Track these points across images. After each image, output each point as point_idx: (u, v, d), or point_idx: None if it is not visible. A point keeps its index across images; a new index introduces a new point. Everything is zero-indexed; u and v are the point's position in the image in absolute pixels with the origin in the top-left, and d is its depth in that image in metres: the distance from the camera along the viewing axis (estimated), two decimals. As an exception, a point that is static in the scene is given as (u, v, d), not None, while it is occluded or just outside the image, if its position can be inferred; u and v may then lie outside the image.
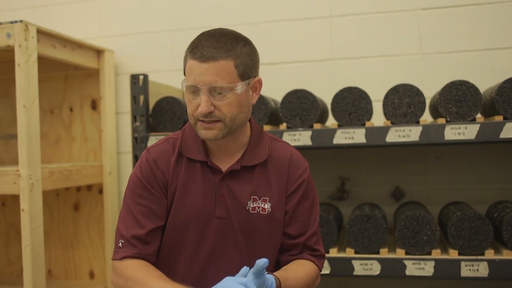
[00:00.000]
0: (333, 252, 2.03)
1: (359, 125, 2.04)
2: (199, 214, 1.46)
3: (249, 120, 1.54)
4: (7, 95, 2.90)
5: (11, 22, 2.12)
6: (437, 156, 2.43)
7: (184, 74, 1.43)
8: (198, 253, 1.48)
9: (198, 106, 1.37)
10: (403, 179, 2.47)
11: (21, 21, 2.10)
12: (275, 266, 1.55)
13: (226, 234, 1.47)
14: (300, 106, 2.09)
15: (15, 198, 2.82)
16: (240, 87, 1.37)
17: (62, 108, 2.83)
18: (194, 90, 1.37)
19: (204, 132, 1.40)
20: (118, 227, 1.48)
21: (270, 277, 1.30)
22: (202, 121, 1.39)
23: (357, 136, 2.00)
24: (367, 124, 2.05)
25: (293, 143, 2.05)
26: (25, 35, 2.11)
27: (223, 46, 1.36)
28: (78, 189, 2.78)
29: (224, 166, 1.48)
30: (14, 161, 2.86)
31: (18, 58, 2.10)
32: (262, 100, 2.13)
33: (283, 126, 2.13)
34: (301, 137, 2.05)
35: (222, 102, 1.37)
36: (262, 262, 1.21)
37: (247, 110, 1.44)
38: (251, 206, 1.47)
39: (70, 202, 2.81)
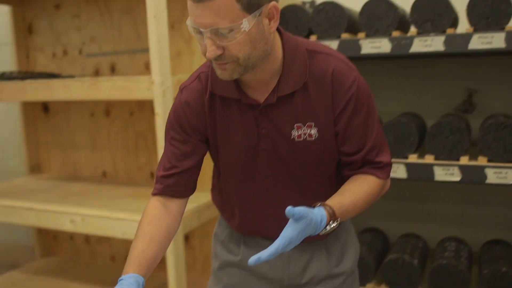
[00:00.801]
0: (464, 160, 1.98)
1: (498, 30, 1.92)
2: (246, 150, 1.37)
3: (281, 36, 1.34)
4: (130, 12, 3.01)
5: None
6: None
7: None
8: (254, 189, 1.43)
9: (205, 48, 1.21)
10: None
11: None
12: (336, 184, 1.43)
13: (277, 166, 1.38)
14: (433, 11, 2.00)
15: (142, 108, 3.01)
16: (246, 23, 1.17)
17: (182, 23, 2.89)
18: (197, 32, 1.20)
19: (220, 72, 1.25)
20: (160, 164, 1.45)
21: (319, 212, 1.21)
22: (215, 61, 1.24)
23: (496, 40, 1.89)
24: (507, 28, 1.92)
25: (424, 49, 1.98)
26: None
27: None
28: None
29: (261, 97, 1.33)
30: (140, 74, 3.02)
31: (148, -31, 2.16)
32: (390, 5, 2.05)
33: (413, 31, 2.06)
34: (433, 43, 1.97)
35: (230, 43, 1.18)
36: (287, 211, 1.13)
37: (263, 43, 1.23)
38: (296, 135, 1.34)
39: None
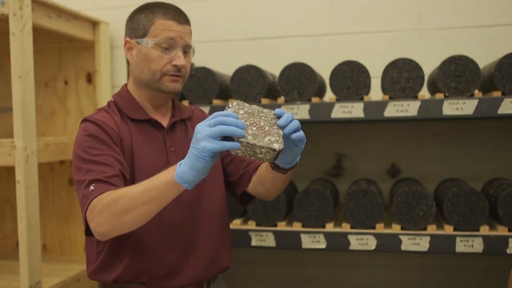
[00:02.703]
0: (329, 227, 2.03)
1: (358, 100, 2.03)
2: (157, 166, 1.53)
3: None
4: (1, 68, 2.86)
5: (5, -9, 2.08)
6: (434, 132, 2.43)
7: (142, 34, 1.58)
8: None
9: (168, 62, 1.56)
10: (399, 156, 2.47)
11: (15, -11, 2.06)
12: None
13: None
14: (298, 80, 2.07)
15: (9, 172, 2.81)
16: (193, 50, 1.65)
17: (57, 81, 2.79)
18: (169, 46, 1.56)
19: (172, 85, 1.58)
20: (79, 182, 1.44)
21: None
22: (172, 75, 1.57)
23: (355, 110, 1.99)
24: (365, 98, 2.03)
25: (290, 117, 2.03)
26: (19, 3, 2.06)
27: (186, 15, 1.63)
28: (73, 163, 2.76)
29: (163, 122, 1.65)
30: (8, 135, 2.84)
31: (13, 27, 2.06)
32: (260, 73, 2.11)
33: (281, 99, 2.12)
34: (299, 111, 2.04)
35: (187, 60, 1.60)
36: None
37: None
38: None
39: (65, 176, 2.79)
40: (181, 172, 1.25)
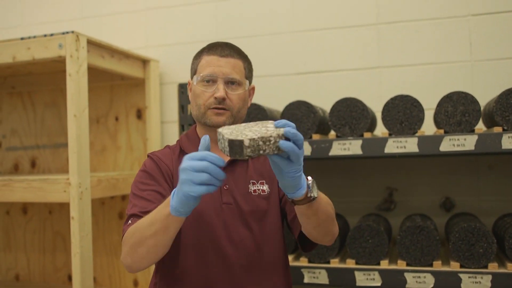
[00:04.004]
0: (384, 264, 1.98)
1: (411, 134, 1.99)
2: (209, 203, 1.53)
3: None
4: (55, 105, 2.95)
5: (63, 33, 2.16)
6: (489, 165, 2.36)
7: (193, 73, 1.63)
8: (214, 239, 1.53)
9: (211, 95, 1.57)
10: (453, 189, 2.40)
11: (72, 32, 2.14)
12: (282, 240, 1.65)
13: (236, 218, 1.55)
14: (350, 115, 2.06)
15: (62, 206, 2.87)
16: (246, 84, 1.63)
17: (108, 118, 2.86)
18: (211, 80, 1.57)
19: (215, 118, 1.57)
20: (127, 212, 1.51)
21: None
22: (214, 108, 1.56)
23: (409, 145, 1.95)
24: (419, 132, 2.00)
25: (342, 153, 2.02)
26: (76, 45, 2.14)
27: (236, 49, 1.64)
28: (123, 197, 2.80)
29: (223, 157, 1.59)
30: (61, 170, 2.92)
31: (69, 68, 2.14)
32: (310, 108, 2.11)
33: (332, 135, 2.10)
34: (351, 146, 2.02)
35: (233, 93, 1.58)
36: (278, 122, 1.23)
37: (245, 109, 1.65)
38: (252, 189, 1.60)
39: (115, 210, 2.83)
40: (174, 206, 1.26)
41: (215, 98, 1.55)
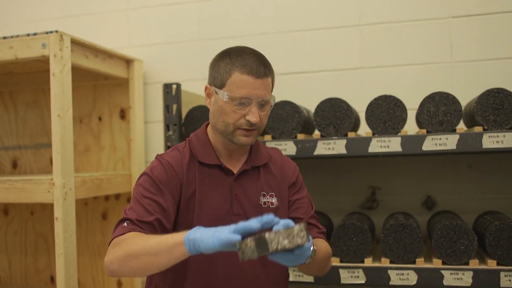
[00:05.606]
0: (368, 262, 2.01)
1: (394, 134, 2.03)
2: (219, 213, 1.55)
3: None
4: (37, 105, 2.92)
5: (46, 33, 2.14)
6: (469, 164, 2.41)
7: (220, 84, 1.54)
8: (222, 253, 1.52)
9: (242, 116, 1.52)
10: (434, 188, 2.45)
11: (56, 31, 2.13)
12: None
13: None
14: (334, 115, 2.08)
15: (44, 207, 2.85)
16: (273, 99, 1.60)
17: (91, 118, 2.85)
18: (245, 102, 1.51)
19: (245, 139, 1.55)
20: (124, 213, 1.49)
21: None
22: (245, 129, 1.53)
23: (392, 144, 1.98)
24: (402, 132, 2.03)
25: (327, 152, 2.04)
26: (60, 45, 2.13)
27: (268, 65, 1.56)
28: (107, 198, 2.79)
29: (234, 169, 1.61)
30: (43, 170, 2.89)
31: (53, 67, 2.12)
32: (295, 108, 2.12)
33: (317, 134, 2.13)
34: (336, 146, 2.04)
35: (263, 113, 1.55)
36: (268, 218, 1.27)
37: None
38: (262, 201, 1.61)
39: (98, 211, 2.82)
40: (192, 237, 1.25)
41: (247, 120, 1.51)
